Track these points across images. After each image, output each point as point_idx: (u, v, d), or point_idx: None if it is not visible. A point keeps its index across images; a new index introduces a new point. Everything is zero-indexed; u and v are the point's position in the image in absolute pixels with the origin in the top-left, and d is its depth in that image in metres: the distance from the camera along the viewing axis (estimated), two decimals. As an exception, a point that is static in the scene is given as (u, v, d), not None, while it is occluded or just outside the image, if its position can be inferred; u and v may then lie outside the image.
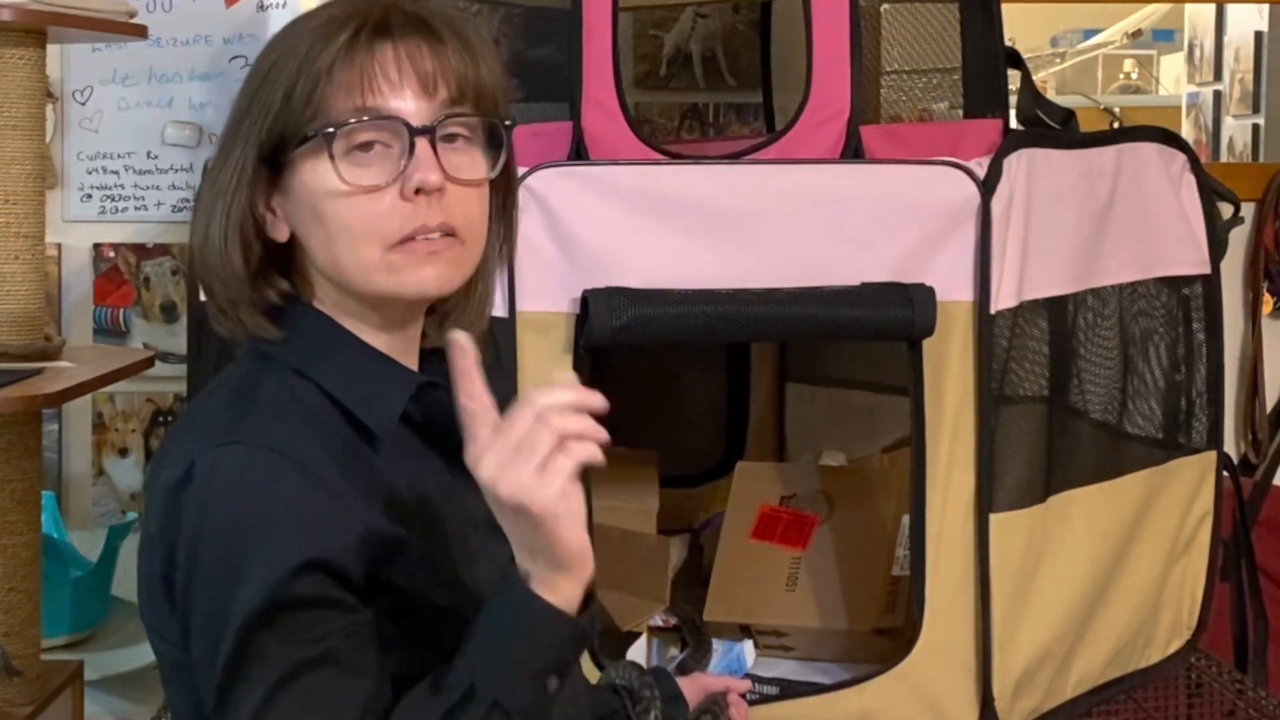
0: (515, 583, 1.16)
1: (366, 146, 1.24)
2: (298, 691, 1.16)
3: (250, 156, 1.26)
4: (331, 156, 1.23)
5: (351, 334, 1.30)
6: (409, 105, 1.24)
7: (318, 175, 1.24)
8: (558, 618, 1.16)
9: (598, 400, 1.17)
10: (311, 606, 1.17)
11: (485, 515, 1.37)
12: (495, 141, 1.30)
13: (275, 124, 1.24)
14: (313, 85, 1.23)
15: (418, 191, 1.23)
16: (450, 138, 1.26)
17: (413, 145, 1.23)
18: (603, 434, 1.16)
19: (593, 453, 1.16)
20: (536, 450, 1.13)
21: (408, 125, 1.23)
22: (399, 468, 1.29)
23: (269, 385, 1.27)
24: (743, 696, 1.72)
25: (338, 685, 1.17)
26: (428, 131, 1.24)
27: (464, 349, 1.17)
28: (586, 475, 1.86)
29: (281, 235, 1.28)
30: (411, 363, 1.35)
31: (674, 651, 2.12)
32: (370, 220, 1.24)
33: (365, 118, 1.23)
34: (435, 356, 1.37)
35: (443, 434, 1.32)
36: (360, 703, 1.17)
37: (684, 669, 2.03)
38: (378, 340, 1.31)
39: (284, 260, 1.30)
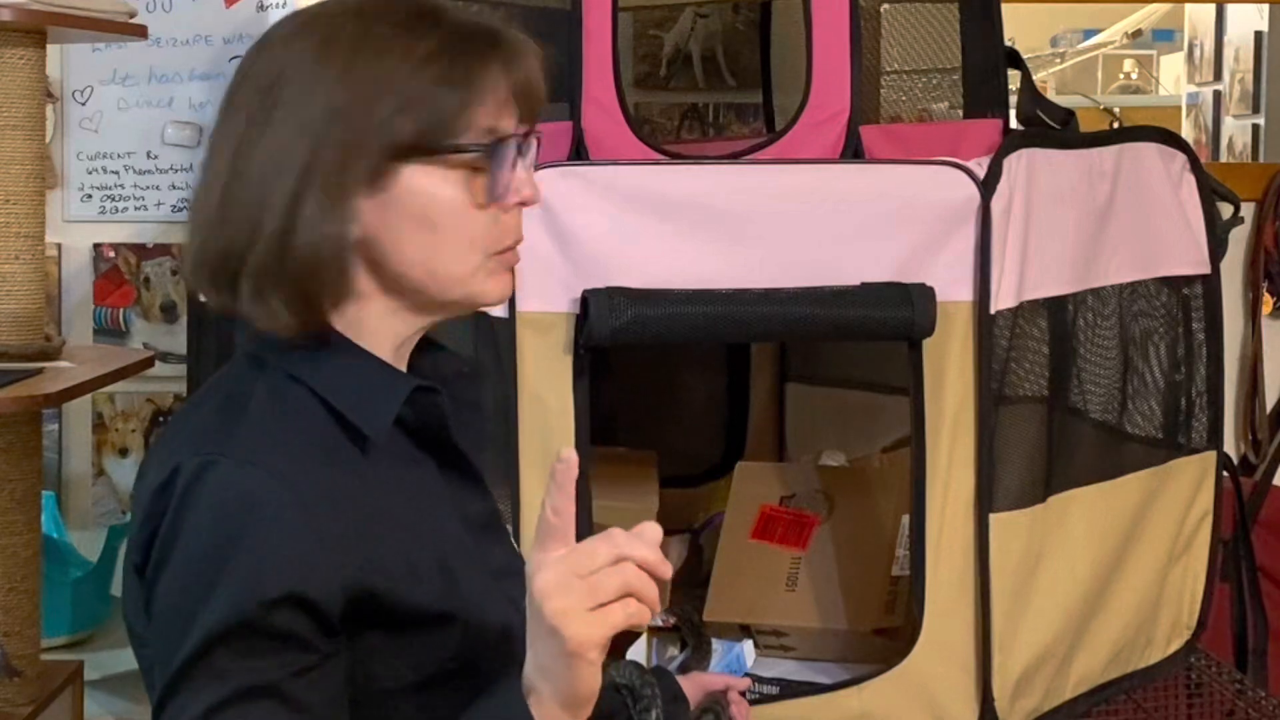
0: (516, 699, 1.15)
1: (478, 162, 1.27)
2: (237, 715, 1.15)
3: (368, 165, 1.25)
4: (476, 168, 1.26)
5: (348, 340, 1.30)
6: (513, 124, 1.30)
7: (443, 185, 1.26)
8: None
9: (668, 570, 1.15)
10: (276, 638, 1.17)
11: (479, 516, 1.37)
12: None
13: (406, 136, 1.25)
14: (460, 105, 1.25)
15: (521, 204, 1.30)
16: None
17: (516, 163, 1.29)
18: (657, 603, 1.15)
19: (645, 619, 1.14)
20: (600, 591, 1.11)
21: (519, 146, 1.29)
22: (390, 472, 1.29)
23: (260, 392, 1.27)
24: (743, 695, 1.72)
25: (274, 717, 1.17)
26: (529, 150, 1.30)
27: (570, 467, 1.15)
28: (586, 485, 1.89)
29: (359, 234, 1.27)
30: (403, 365, 1.35)
31: (674, 651, 2.12)
32: (484, 230, 1.28)
33: (492, 139, 1.27)
34: (426, 355, 1.38)
35: (434, 437, 1.33)
36: None
37: (685, 669, 2.03)
38: (386, 346, 1.31)
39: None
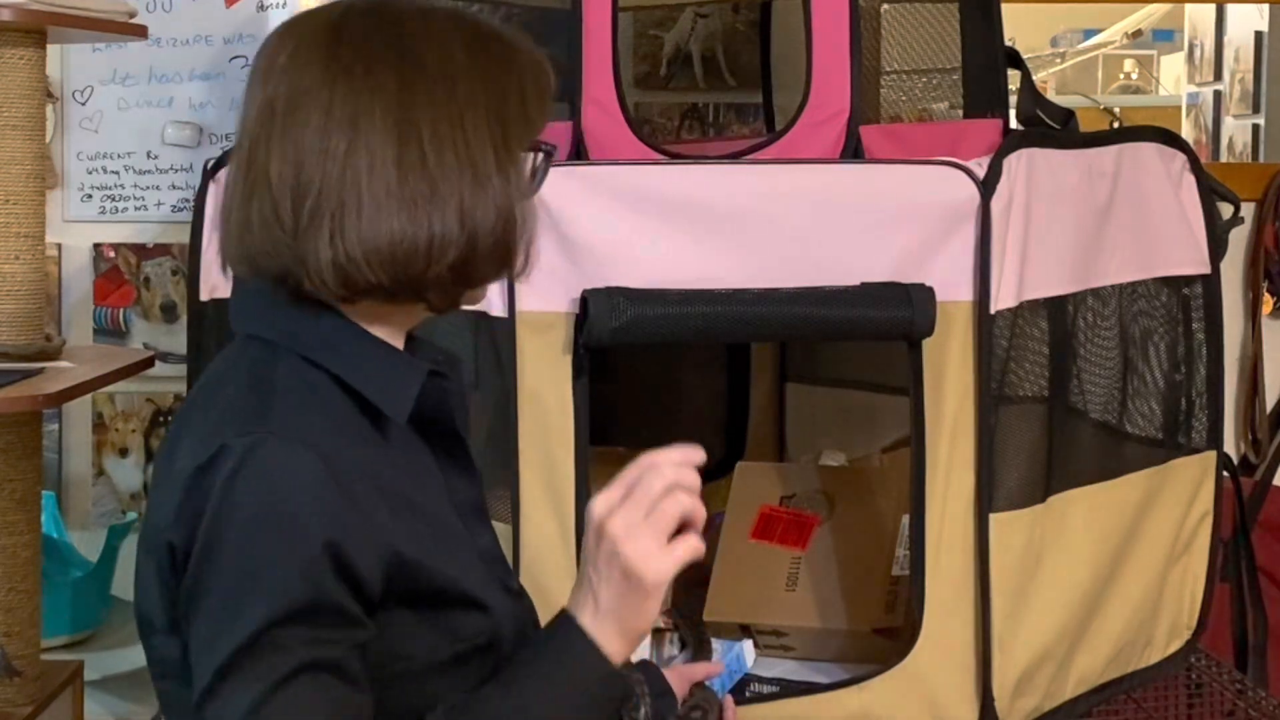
0: (577, 636, 1.25)
1: None
2: (296, 691, 1.18)
3: (492, 149, 1.32)
4: (542, 171, 1.36)
5: (359, 326, 1.33)
6: None
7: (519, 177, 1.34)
8: (617, 678, 1.26)
9: (698, 486, 1.26)
10: (329, 614, 1.20)
11: (468, 501, 1.41)
12: None
13: (514, 132, 1.33)
14: (539, 108, 1.34)
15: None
16: None
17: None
18: (702, 512, 1.24)
19: (702, 551, 1.24)
20: (664, 523, 1.23)
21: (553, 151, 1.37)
22: (403, 455, 1.33)
23: (284, 373, 1.29)
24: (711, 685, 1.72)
25: (337, 691, 1.20)
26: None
27: (698, 456, 1.27)
28: (586, 485, 1.89)
29: None
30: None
31: (673, 651, 2.12)
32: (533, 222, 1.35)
33: (548, 147, 1.37)
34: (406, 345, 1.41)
35: (432, 421, 1.37)
36: (355, 712, 1.21)
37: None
38: (387, 335, 1.35)
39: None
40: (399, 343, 1.36)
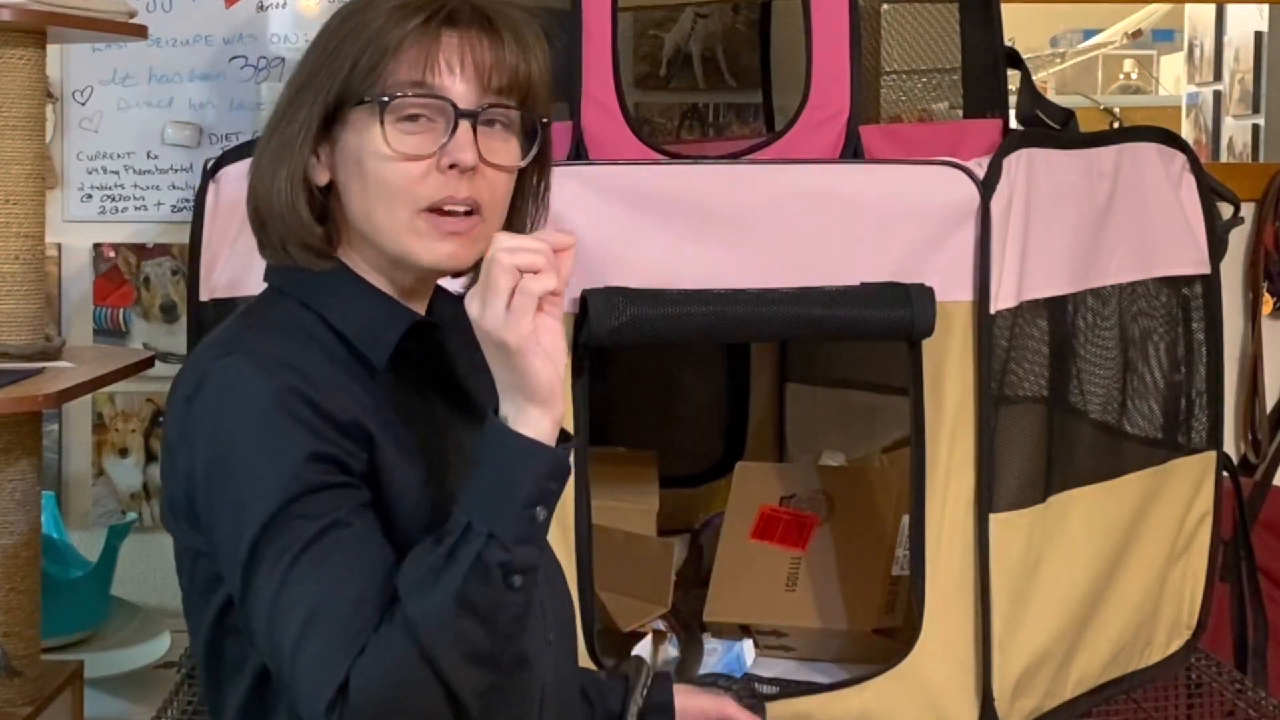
0: (496, 427, 1.28)
1: (414, 118, 1.36)
2: (312, 557, 1.25)
3: (316, 113, 1.37)
4: (381, 122, 1.34)
5: (361, 279, 1.40)
6: (459, 89, 1.36)
7: (368, 135, 1.36)
8: (536, 449, 1.26)
9: (559, 240, 1.30)
10: (319, 491, 1.27)
11: (475, 451, 1.42)
12: (531, 134, 1.42)
13: (340, 86, 1.37)
14: (378, 58, 1.35)
15: (452, 166, 1.35)
16: (490, 123, 1.38)
17: (456, 125, 1.35)
18: (553, 266, 1.27)
19: (547, 283, 1.26)
20: (498, 289, 1.25)
21: (454, 107, 1.35)
22: (397, 394, 1.39)
23: (275, 313, 1.39)
24: None
25: (348, 543, 1.27)
26: (471, 115, 1.36)
27: (569, 241, 1.31)
28: (586, 485, 1.89)
29: (321, 179, 1.40)
30: (420, 307, 1.44)
31: (673, 652, 2.12)
32: (406, 182, 1.35)
33: (418, 93, 1.35)
34: (448, 302, 1.46)
35: (438, 372, 1.44)
36: (372, 559, 1.27)
37: (679, 669, 2.03)
38: (390, 288, 1.41)
39: (323, 207, 1.41)
40: (411, 296, 1.42)
